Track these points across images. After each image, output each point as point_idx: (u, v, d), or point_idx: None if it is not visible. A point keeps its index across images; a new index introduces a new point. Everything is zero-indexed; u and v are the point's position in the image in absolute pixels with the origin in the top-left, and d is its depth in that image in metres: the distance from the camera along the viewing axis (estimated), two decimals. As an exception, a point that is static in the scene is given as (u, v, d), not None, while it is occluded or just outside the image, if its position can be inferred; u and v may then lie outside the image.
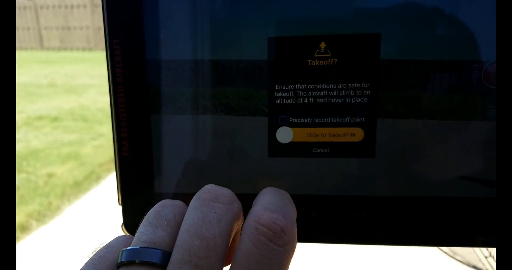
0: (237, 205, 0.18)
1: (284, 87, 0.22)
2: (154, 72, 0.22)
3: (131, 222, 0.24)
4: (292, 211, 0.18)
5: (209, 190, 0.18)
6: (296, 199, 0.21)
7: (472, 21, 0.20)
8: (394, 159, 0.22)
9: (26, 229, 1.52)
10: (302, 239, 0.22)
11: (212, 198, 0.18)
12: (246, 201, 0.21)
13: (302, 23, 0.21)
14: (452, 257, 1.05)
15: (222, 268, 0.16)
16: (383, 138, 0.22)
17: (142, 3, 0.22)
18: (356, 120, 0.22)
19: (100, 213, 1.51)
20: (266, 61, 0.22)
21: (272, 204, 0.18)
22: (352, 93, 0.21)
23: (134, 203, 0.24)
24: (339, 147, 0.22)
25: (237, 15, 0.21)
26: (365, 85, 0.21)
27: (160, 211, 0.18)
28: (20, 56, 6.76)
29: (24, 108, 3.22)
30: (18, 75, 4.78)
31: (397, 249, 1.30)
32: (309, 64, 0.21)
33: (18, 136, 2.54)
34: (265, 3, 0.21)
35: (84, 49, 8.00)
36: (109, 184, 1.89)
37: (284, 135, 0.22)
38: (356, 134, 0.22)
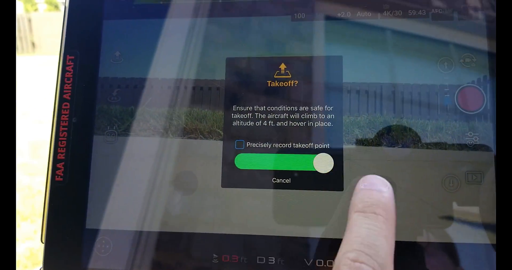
0: None
1: (242, 108, 0.20)
2: (104, 90, 0.21)
3: (53, 265, 0.21)
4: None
5: None
6: (252, 240, 0.19)
7: (442, 44, 0.19)
8: None
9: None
10: None
11: None
12: (203, 241, 0.19)
13: (261, 44, 0.20)
14: None
15: None
16: (352, 168, 0.19)
17: (102, 23, 0.22)
18: (321, 146, 0.20)
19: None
20: (224, 81, 0.21)
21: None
22: (315, 116, 0.20)
23: (61, 241, 0.21)
24: (302, 177, 0.20)
25: (196, 35, 0.21)
26: (328, 108, 0.20)
27: None
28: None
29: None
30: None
31: None
32: (269, 85, 0.20)
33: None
34: (225, 24, 0.21)
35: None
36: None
37: (241, 161, 0.20)
38: None
